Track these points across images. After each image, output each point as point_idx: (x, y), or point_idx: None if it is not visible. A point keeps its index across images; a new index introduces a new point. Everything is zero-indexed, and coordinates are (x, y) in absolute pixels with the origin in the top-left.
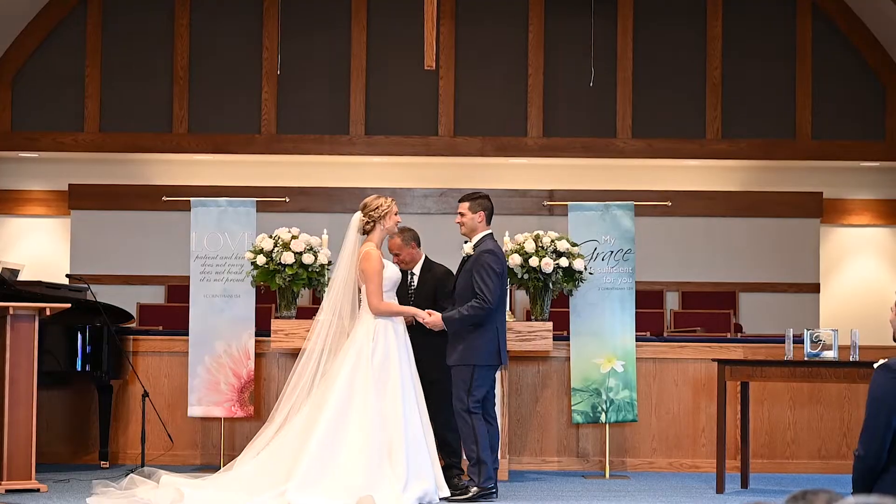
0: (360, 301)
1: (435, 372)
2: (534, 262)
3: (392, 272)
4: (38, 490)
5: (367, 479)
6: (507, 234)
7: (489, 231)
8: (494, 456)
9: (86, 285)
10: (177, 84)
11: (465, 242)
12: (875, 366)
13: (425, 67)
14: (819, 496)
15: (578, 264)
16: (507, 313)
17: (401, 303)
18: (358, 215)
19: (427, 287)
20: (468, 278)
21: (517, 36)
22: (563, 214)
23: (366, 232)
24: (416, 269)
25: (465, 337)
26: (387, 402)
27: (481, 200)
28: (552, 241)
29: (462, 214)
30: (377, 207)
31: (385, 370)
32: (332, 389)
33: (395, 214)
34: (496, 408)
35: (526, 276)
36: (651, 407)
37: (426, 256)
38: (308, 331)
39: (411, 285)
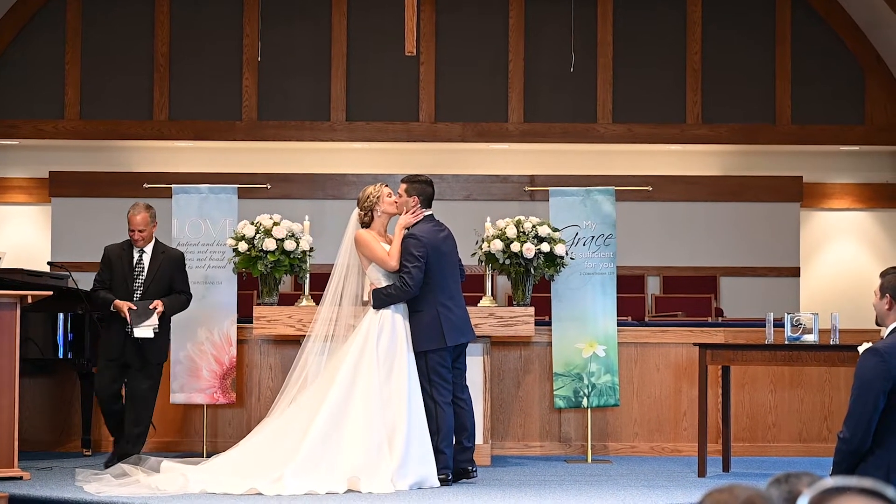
0: (363, 290)
1: None
2: (515, 247)
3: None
4: (20, 478)
5: (366, 464)
6: (488, 219)
7: (427, 213)
8: (470, 433)
9: (67, 273)
10: (157, 71)
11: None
12: (860, 349)
13: (406, 53)
14: (801, 479)
15: (560, 249)
16: (488, 298)
17: (130, 285)
18: (355, 211)
19: (163, 269)
20: None
21: (497, 21)
22: (544, 200)
23: (365, 224)
24: (148, 249)
25: (412, 325)
26: (391, 388)
27: (418, 185)
28: (533, 226)
29: (399, 195)
30: (368, 197)
31: (391, 357)
32: (336, 377)
33: (389, 196)
34: (479, 391)
35: (507, 262)
36: (633, 391)
37: (156, 238)
38: (290, 317)
39: (140, 265)
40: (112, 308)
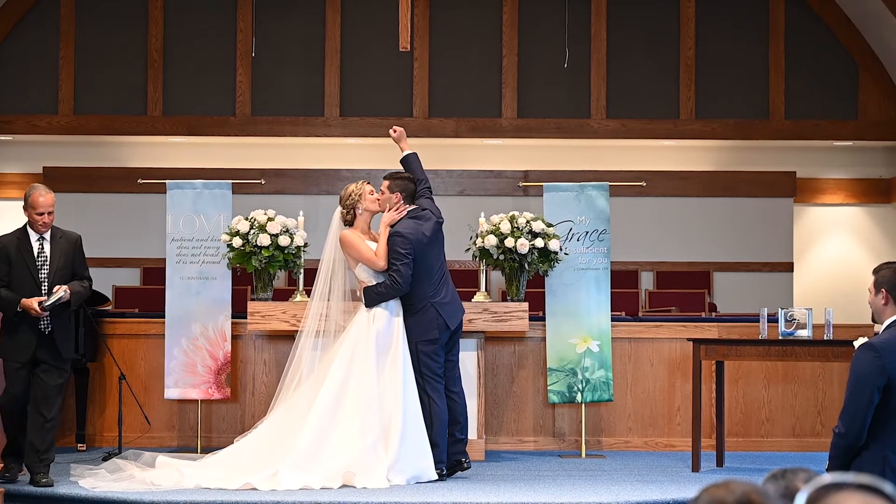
0: (356, 285)
1: None
2: (509, 242)
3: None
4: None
5: (360, 460)
6: (482, 214)
7: (410, 208)
8: (462, 425)
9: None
10: (151, 66)
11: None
12: (856, 344)
13: (400, 49)
14: (798, 474)
15: (554, 245)
16: (482, 293)
17: (37, 278)
18: (338, 209)
19: (66, 254)
20: None
21: (492, 17)
22: (538, 195)
23: (348, 222)
24: (47, 236)
25: (411, 322)
26: (385, 383)
27: (401, 181)
28: (527, 221)
29: (382, 192)
30: (350, 195)
31: (385, 352)
32: (330, 373)
33: (371, 193)
34: (473, 387)
35: (501, 257)
36: (626, 386)
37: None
38: (284, 312)
39: (43, 254)
40: (19, 308)
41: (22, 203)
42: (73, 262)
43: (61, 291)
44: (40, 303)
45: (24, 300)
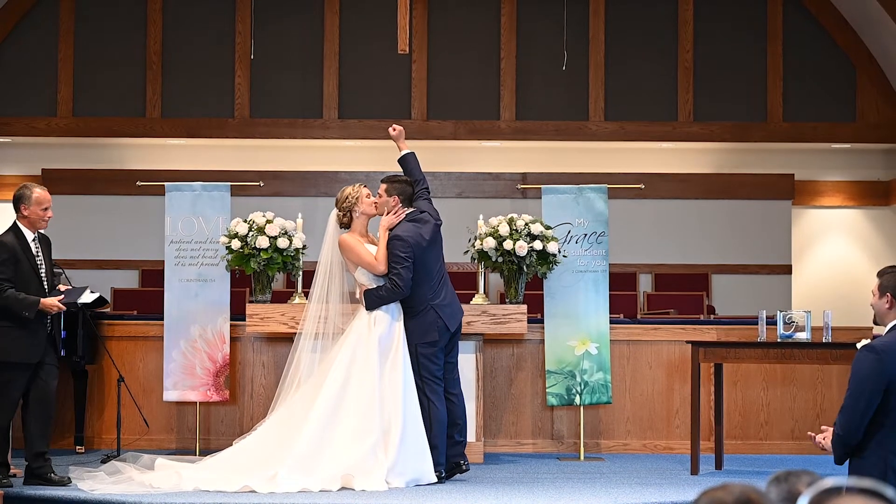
0: (354, 287)
1: None
2: (508, 245)
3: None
4: (14, 475)
5: (360, 463)
6: (480, 217)
7: (409, 211)
8: (461, 427)
9: (60, 270)
10: (150, 68)
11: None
12: (858, 346)
13: (399, 51)
14: (801, 478)
15: (552, 247)
16: (481, 296)
17: (35, 272)
18: (334, 212)
19: (49, 254)
20: None
21: (490, 19)
22: (536, 197)
23: (344, 225)
24: (35, 234)
25: (412, 324)
26: (385, 386)
27: (398, 185)
28: (526, 224)
29: (379, 195)
30: (347, 197)
31: (385, 355)
32: (330, 375)
33: (367, 196)
34: (471, 389)
35: (500, 260)
36: (625, 389)
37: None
38: (283, 314)
39: (38, 255)
40: (39, 307)
41: (13, 204)
42: (50, 261)
43: (88, 289)
44: (69, 301)
45: (43, 300)
